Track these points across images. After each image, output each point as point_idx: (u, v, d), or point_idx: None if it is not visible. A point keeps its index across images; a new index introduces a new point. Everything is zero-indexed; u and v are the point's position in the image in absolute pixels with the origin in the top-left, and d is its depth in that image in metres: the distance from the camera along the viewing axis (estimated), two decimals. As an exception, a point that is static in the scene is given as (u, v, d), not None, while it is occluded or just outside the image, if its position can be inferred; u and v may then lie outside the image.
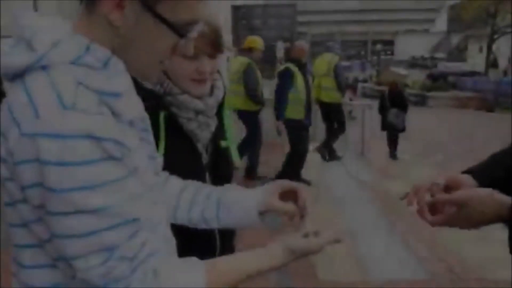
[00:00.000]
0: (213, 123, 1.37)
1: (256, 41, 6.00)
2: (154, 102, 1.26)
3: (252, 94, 5.83)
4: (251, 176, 5.99)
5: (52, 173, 0.70)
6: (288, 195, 1.11)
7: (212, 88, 1.37)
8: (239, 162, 1.44)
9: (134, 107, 0.86)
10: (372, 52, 47.34)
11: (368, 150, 8.24)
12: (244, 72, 5.80)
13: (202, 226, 1.18)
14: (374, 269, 3.73)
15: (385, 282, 3.49)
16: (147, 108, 1.20)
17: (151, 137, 0.94)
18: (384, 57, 41.50)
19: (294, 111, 5.65)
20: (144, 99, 1.23)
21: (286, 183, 1.13)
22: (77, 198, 0.71)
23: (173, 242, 1.00)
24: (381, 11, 52.13)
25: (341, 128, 7.52)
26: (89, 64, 0.77)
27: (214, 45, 1.29)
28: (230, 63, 6.48)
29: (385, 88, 8.00)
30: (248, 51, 5.96)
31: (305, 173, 6.03)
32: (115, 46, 0.80)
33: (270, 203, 1.10)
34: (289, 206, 1.09)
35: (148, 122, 0.96)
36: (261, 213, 1.12)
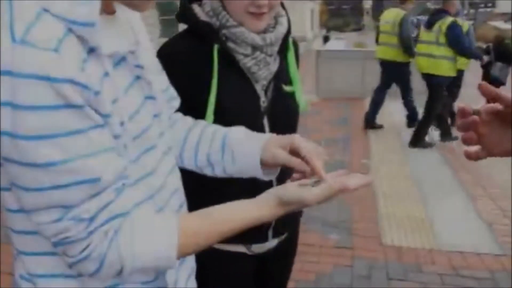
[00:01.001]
0: (274, 63, 1.27)
1: None
2: (208, 34, 1.20)
3: (407, 45, 6.01)
4: (412, 125, 6.28)
5: (3, 115, 0.63)
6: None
7: (275, 24, 1.26)
8: (304, 107, 1.33)
9: (122, 39, 0.77)
10: (470, 4, 43.76)
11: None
12: (399, 24, 6.01)
13: (208, 170, 1.07)
14: (442, 237, 3.51)
15: (453, 252, 3.28)
16: (201, 41, 1.19)
17: (150, 76, 0.83)
18: (483, 10, 38.21)
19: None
20: (197, 32, 1.21)
21: (298, 141, 0.95)
22: (28, 148, 0.64)
23: (179, 191, 0.93)
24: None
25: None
26: None
27: None
28: (383, 14, 6.70)
29: (482, 45, 7.53)
30: (401, 2, 6.23)
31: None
32: None
33: (280, 157, 0.95)
34: (296, 160, 0.93)
35: (148, 59, 0.86)
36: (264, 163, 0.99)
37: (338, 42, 19.88)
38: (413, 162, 5.31)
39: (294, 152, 0.95)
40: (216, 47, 1.19)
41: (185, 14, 1.23)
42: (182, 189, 0.96)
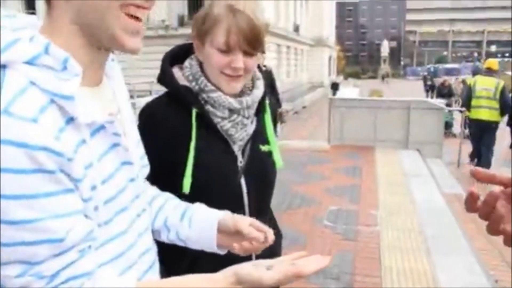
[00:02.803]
0: (251, 124, 1.33)
1: (496, 63, 8.34)
2: (187, 98, 1.26)
3: (508, 109, 7.84)
4: None
5: None
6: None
7: (252, 87, 1.34)
8: (280, 165, 1.40)
9: (102, 109, 0.83)
10: (487, 53, 43.96)
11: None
12: (501, 91, 7.69)
13: (164, 234, 1.13)
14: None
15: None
16: (180, 104, 1.25)
17: (126, 142, 0.88)
18: (501, 59, 38.36)
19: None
20: (177, 96, 1.27)
21: (255, 223, 1.08)
22: (1, 205, 0.69)
23: (151, 251, 0.98)
24: (499, 8, 48.24)
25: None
26: (46, 65, 0.74)
27: (250, 42, 1.22)
28: (479, 81, 8.07)
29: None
30: (489, 70, 8.07)
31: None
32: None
33: (239, 223, 1.06)
34: (256, 232, 1.05)
35: (128, 126, 0.93)
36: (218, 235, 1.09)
37: (353, 90, 20.07)
38: (423, 213, 5.26)
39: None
40: (194, 111, 1.25)
41: (165, 78, 1.30)
42: (154, 249, 1.01)
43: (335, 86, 25.44)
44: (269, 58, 19.86)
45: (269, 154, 1.38)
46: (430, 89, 24.28)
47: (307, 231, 4.68)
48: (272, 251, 1.45)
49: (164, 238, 1.13)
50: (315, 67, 36.50)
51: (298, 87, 26.00)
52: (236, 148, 1.32)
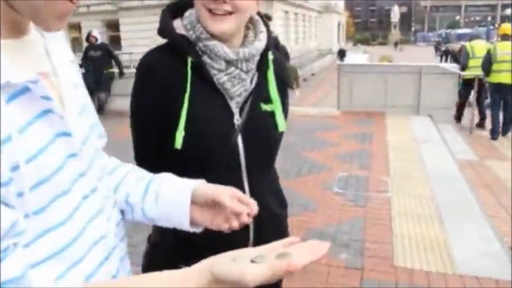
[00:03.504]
0: (249, 79, 1.23)
1: (509, 28, 8.23)
2: (182, 47, 1.17)
3: None
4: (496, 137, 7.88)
5: None
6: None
7: (253, 40, 1.23)
8: (283, 129, 1.28)
9: (25, 67, 0.67)
10: (502, 17, 42.90)
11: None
12: None
13: (128, 213, 0.95)
14: (458, 260, 3.37)
15: (469, 277, 3.14)
16: (177, 54, 1.15)
17: (61, 108, 0.71)
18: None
19: None
20: (173, 45, 1.18)
21: (221, 196, 0.90)
22: None
23: (107, 239, 0.80)
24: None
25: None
26: None
27: None
28: (496, 47, 8.16)
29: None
30: (505, 36, 8.15)
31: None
32: None
33: (218, 194, 0.89)
34: (239, 205, 0.89)
35: (66, 90, 0.75)
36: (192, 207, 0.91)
37: (362, 56, 19.78)
38: (435, 180, 5.15)
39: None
40: (190, 60, 1.16)
41: (163, 28, 1.21)
42: (115, 234, 0.83)
43: (342, 53, 24.90)
44: (276, 25, 19.49)
45: (271, 114, 1.27)
46: (444, 54, 23.79)
47: (317, 198, 4.60)
48: (276, 221, 1.37)
49: (129, 218, 0.95)
50: (323, 34, 35.90)
51: (306, 54, 25.60)
52: (234, 105, 1.22)
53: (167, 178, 0.96)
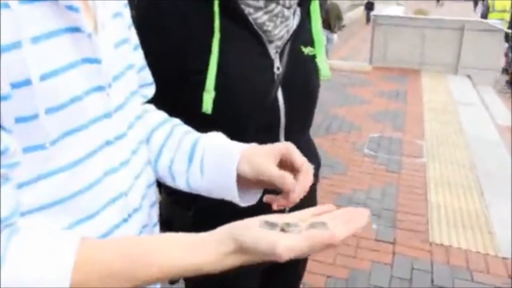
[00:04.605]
0: (293, 18, 0.98)
1: None
2: None
3: None
4: None
5: None
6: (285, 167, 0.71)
7: None
8: (327, 75, 1.06)
9: None
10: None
11: None
12: None
13: (168, 181, 0.80)
14: (501, 239, 3.06)
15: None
16: None
17: (91, 26, 0.59)
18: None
19: None
20: None
21: (289, 149, 0.70)
22: None
23: (127, 197, 0.66)
24: None
25: None
26: None
27: None
28: None
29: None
30: None
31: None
32: None
33: (264, 168, 0.69)
34: (289, 178, 0.68)
35: (102, 10, 0.62)
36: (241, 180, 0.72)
37: (397, 9, 18.85)
38: (474, 146, 4.77)
39: (285, 165, 0.71)
40: None
41: None
42: (138, 195, 0.69)
43: (369, 6, 22.87)
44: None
45: (313, 58, 1.04)
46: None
47: (346, 159, 4.29)
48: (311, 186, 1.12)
49: (170, 184, 0.81)
50: (355, -17, 34.36)
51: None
52: (273, 50, 0.96)
53: (213, 142, 0.78)
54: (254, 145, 0.74)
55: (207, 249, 0.54)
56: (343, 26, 9.34)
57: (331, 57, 8.90)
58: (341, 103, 6.19)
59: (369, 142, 4.77)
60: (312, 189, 1.18)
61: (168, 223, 1.08)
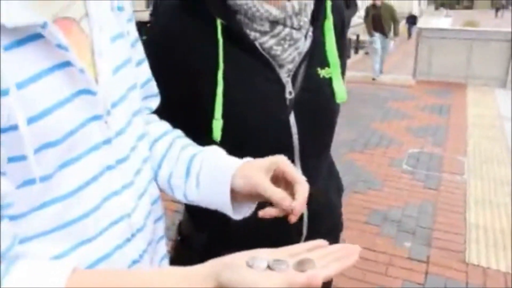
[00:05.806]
0: (304, 40, 0.93)
1: None
2: (208, 7, 0.86)
3: None
4: None
5: None
6: (278, 182, 0.72)
7: None
8: (343, 98, 0.98)
9: (40, 8, 0.56)
10: None
11: None
12: None
13: (168, 192, 0.81)
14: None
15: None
16: (200, 16, 0.87)
17: (80, 60, 0.58)
18: None
19: None
20: (194, 3, 0.88)
21: (282, 163, 0.71)
22: None
23: (128, 219, 0.67)
24: None
25: None
26: None
27: None
28: None
29: None
30: None
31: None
32: None
33: (258, 183, 0.70)
34: (283, 194, 0.69)
35: (99, 38, 0.63)
36: (236, 194, 0.73)
37: (445, 20, 18.38)
38: (518, 163, 4.59)
39: (277, 179, 0.72)
40: (219, 23, 0.85)
41: None
42: (141, 214, 0.69)
43: (411, 20, 19.94)
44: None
45: (330, 80, 0.97)
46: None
47: (383, 175, 4.22)
48: (330, 206, 1.11)
49: (169, 195, 0.82)
50: (403, -5, 33.85)
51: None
52: (284, 74, 0.92)
53: (209, 157, 0.79)
54: (249, 160, 0.75)
55: (193, 283, 0.55)
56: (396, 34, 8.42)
57: (371, 70, 8.75)
58: (382, 118, 6.10)
59: (408, 158, 4.68)
60: (338, 215, 1.16)
61: (188, 241, 1.09)
